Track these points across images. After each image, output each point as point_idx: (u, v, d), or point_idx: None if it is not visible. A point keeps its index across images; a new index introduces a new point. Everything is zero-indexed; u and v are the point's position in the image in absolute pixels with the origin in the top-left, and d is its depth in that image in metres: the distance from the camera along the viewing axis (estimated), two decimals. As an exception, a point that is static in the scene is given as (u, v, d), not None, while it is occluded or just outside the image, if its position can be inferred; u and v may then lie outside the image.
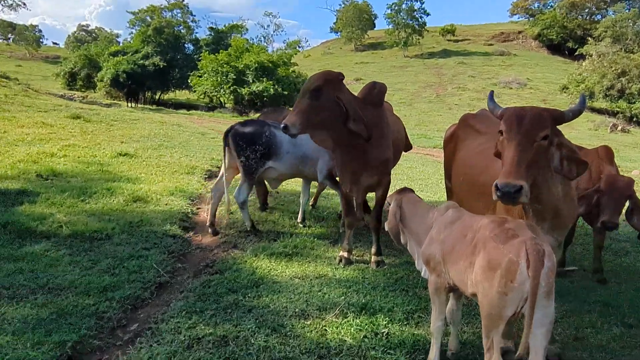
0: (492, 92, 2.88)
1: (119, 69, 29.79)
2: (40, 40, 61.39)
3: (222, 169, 5.20)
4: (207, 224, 5.25)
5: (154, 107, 28.61)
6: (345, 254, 4.51)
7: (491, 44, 53.04)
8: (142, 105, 28.51)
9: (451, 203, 2.85)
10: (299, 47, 47.65)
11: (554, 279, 2.10)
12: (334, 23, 62.62)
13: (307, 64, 45.06)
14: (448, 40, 55.62)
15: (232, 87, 25.94)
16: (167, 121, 14.96)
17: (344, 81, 3.93)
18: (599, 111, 30.19)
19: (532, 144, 2.49)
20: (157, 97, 34.63)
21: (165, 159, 8.61)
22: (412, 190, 3.05)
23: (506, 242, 2.11)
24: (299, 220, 5.65)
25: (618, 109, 29.06)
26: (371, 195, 5.06)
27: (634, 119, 28.07)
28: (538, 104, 31.75)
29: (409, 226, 2.90)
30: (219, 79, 26.30)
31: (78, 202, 5.56)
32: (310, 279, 4.07)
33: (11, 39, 61.94)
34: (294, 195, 7.02)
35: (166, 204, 5.91)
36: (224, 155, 5.07)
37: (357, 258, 4.70)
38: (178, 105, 32.22)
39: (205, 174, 7.98)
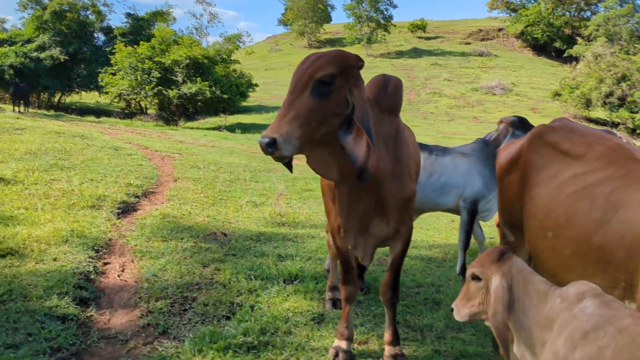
0: None
1: (3, 62, 27.63)
2: None
3: None
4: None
5: (52, 112, 26.56)
6: (344, 344, 3.46)
7: (468, 43, 54.30)
8: (36, 110, 26.40)
9: (586, 285, 1.91)
10: (240, 41, 46.64)
11: None
12: (283, 15, 62.36)
13: (251, 62, 44.28)
14: (419, 37, 56.48)
15: (156, 89, 24.43)
16: (66, 131, 13.38)
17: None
18: (597, 122, 30.96)
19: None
20: (56, 99, 32.41)
21: (58, 185, 7.26)
22: (512, 253, 2.16)
23: None
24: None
25: (619, 120, 29.89)
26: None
27: (638, 132, 28.91)
28: (527, 113, 32.44)
29: (517, 319, 2.02)
30: (138, 77, 24.72)
31: None
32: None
33: None
34: (249, 239, 5.92)
35: (55, 259, 4.65)
36: None
37: (360, 348, 3.66)
38: (84, 111, 30.23)
39: (118, 208, 6.72)
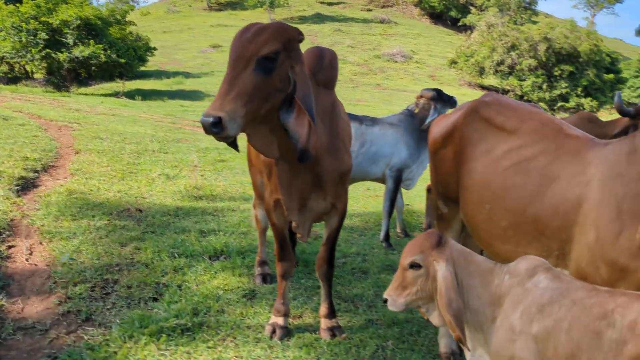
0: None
1: None
2: None
3: None
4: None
5: None
6: (281, 320, 3.45)
7: (370, 10, 54.92)
8: None
9: (536, 260, 1.99)
10: (134, 1, 43.89)
11: None
12: (179, -27, 59.26)
13: (147, 24, 41.97)
14: (321, 2, 56.27)
15: (44, 52, 22.50)
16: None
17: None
18: (489, 89, 32.81)
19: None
20: None
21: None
22: (447, 236, 2.16)
23: None
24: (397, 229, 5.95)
25: (508, 87, 31.86)
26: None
27: (525, 98, 31.00)
28: (426, 80, 33.65)
29: (463, 301, 2.00)
30: (23, 39, 22.57)
31: None
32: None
33: None
34: (167, 214, 5.69)
35: (-49, 246, 4.21)
36: None
37: (295, 323, 3.66)
38: (-41, 76, 27.26)
39: (17, 185, 6.17)
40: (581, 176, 2.38)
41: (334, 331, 3.46)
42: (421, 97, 5.59)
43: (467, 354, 2.08)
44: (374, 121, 5.54)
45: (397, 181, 5.49)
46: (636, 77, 34.74)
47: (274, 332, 3.40)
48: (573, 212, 2.35)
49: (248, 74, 2.51)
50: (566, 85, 31.20)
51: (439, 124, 3.22)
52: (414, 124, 5.51)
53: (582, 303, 1.74)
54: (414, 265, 2.08)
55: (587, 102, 30.51)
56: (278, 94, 2.64)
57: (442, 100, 5.44)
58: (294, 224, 3.26)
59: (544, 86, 31.13)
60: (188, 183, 7.01)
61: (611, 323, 1.62)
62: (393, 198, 5.51)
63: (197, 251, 4.67)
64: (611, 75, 33.08)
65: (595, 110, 29.47)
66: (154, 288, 3.99)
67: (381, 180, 5.61)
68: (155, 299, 3.82)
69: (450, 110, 4.43)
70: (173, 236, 5.01)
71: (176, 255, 4.55)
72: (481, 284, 1.97)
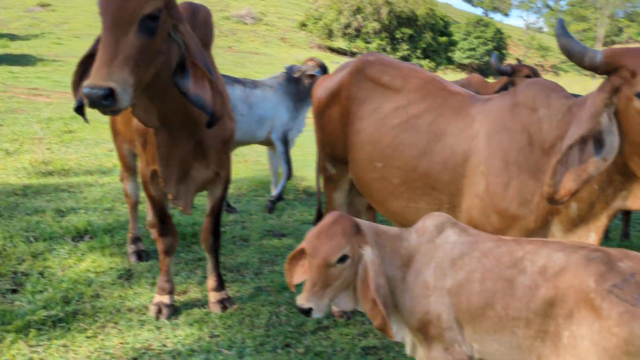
0: (562, 20, 2.08)
1: None
2: None
3: None
4: None
5: None
6: (166, 299, 3.23)
7: (214, -31, 53.00)
8: None
9: (441, 216, 2.01)
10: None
11: None
12: None
13: (-44, -23, 36.35)
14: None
15: None
16: None
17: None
18: (339, 51, 33.70)
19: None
20: None
21: None
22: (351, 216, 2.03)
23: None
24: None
25: (356, 49, 32.96)
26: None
27: (371, 60, 32.33)
28: (278, 43, 33.54)
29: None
30: None
31: None
32: (126, 366, 2.73)
33: None
34: (13, 194, 5.04)
35: None
36: None
37: (181, 299, 3.46)
38: None
39: None
40: (467, 131, 2.48)
41: (224, 303, 3.33)
42: (311, 60, 5.71)
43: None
44: (255, 84, 5.50)
45: (286, 142, 5.57)
46: (465, 39, 37.76)
47: (160, 311, 3.19)
48: (461, 165, 2.45)
49: (132, 36, 2.20)
50: (407, 47, 33.09)
51: (323, 84, 3.16)
52: (292, 86, 5.57)
53: (491, 253, 1.81)
54: (343, 259, 1.84)
55: (426, 64, 32.68)
56: (161, 57, 2.38)
57: (324, 70, 5.63)
58: (170, 196, 3.02)
59: (388, 48, 32.70)
60: (33, 158, 6.26)
61: (522, 270, 1.71)
62: (288, 159, 5.61)
63: (57, 233, 4.21)
64: (445, 38, 35.73)
65: (433, 70, 31.73)
66: (11, 278, 3.52)
67: (265, 143, 5.64)
68: (14, 291, 3.38)
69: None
70: (25, 218, 4.46)
71: (32, 239, 4.06)
72: (392, 251, 1.94)
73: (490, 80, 5.11)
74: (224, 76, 5.37)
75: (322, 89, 3.14)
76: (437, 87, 2.73)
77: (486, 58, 36.46)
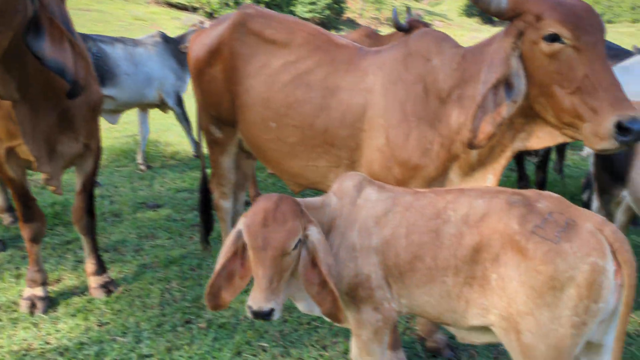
0: None
1: None
2: None
3: None
4: None
5: None
6: (39, 291, 2.87)
7: None
8: None
9: (358, 175, 1.96)
10: None
11: None
12: None
13: None
14: None
15: None
16: None
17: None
18: (178, 6, 32.00)
19: None
20: None
21: None
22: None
23: (572, 236, 1.49)
24: (139, 161, 5.47)
25: (198, 4, 31.56)
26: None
27: (215, 15, 31.26)
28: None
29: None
30: None
31: None
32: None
33: None
34: None
35: None
36: None
37: (56, 289, 3.10)
38: None
39: None
40: (361, 84, 2.44)
41: (108, 287, 3.04)
42: (202, 22, 5.72)
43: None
44: (135, 42, 5.28)
45: (181, 104, 5.51)
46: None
47: (33, 306, 2.82)
48: (359, 120, 2.43)
49: None
50: (250, 1, 32.42)
51: (200, 41, 2.91)
52: (170, 45, 5.49)
53: (413, 207, 1.81)
54: (297, 245, 1.67)
55: (271, 18, 32.37)
56: (17, 17, 1.99)
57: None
58: (44, 176, 2.64)
59: (231, 3, 31.76)
60: None
61: (446, 220, 1.73)
62: (187, 118, 5.57)
63: None
64: (285, -8, 35.57)
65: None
66: None
67: (155, 105, 5.49)
68: None
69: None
70: None
71: None
72: (318, 222, 1.86)
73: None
74: (101, 36, 5.03)
75: (199, 46, 2.90)
76: (324, 41, 2.65)
77: (327, 12, 37.09)
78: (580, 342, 1.51)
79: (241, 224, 1.70)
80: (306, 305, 1.88)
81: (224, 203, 3.20)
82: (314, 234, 1.70)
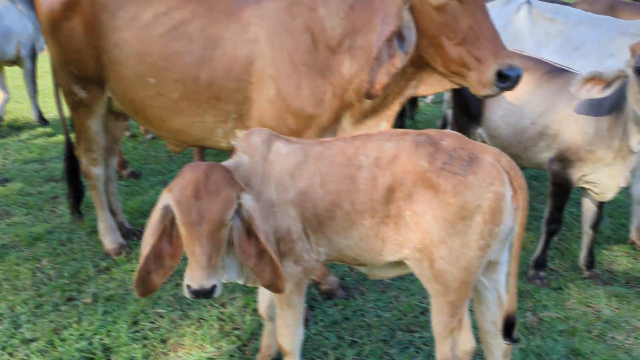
0: None
1: None
2: None
3: None
4: None
5: None
6: None
7: None
8: None
9: (264, 131, 1.90)
10: None
11: None
12: None
13: None
14: None
15: None
16: None
17: None
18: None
19: None
20: None
21: None
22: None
23: (476, 169, 1.62)
24: None
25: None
26: None
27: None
28: None
29: None
30: None
31: None
32: None
33: None
34: None
35: None
36: None
37: None
38: None
39: None
40: (245, 35, 2.37)
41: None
42: None
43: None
44: None
45: (34, 59, 5.12)
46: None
47: None
48: (246, 72, 2.36)
49: None
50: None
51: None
52: None
53: (324, 156, 1.82)
54: (233, 215, 1.58)
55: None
56: None
57: None
58: None
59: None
60: None
61: (359, 165, 1.76)
62: (34, 78, 5.17)
63: None
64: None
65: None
66: None
67: (13, 62, 5.06)
68: None
69: None
70: None
71: None
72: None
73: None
74: None
75: (42, -7, 2.57)
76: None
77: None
78: (484, 262, 1.69)
79: (168, 199, 1.56)
80: (232, 275, 1.81)
81: (94, 170, 2.95)
82: (248, 201, 1.62)
